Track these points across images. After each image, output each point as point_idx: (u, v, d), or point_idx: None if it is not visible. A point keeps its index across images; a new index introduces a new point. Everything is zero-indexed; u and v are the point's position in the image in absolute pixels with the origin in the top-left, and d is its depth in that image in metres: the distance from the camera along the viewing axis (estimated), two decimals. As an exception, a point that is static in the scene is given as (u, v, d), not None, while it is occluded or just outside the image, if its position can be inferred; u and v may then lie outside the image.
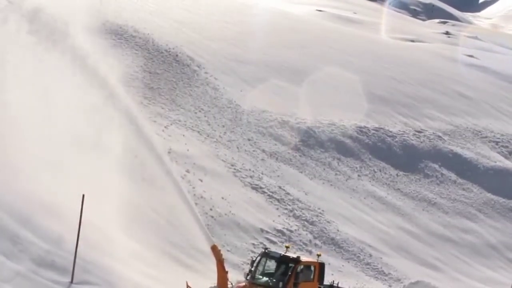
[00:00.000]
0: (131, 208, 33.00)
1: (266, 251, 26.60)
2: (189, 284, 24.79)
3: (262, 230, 38.05)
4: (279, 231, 38.61)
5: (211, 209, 37.07)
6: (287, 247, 26.77)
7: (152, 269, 28.61)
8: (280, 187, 43.66)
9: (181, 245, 32.25)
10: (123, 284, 25.77)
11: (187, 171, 39.44)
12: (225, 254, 33.67)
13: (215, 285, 25.07)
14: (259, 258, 26.05)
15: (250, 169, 43.98)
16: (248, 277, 25.44)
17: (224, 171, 42.26)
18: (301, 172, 47.48)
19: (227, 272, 25.26)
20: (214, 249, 25.50)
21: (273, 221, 39.70)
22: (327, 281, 26.37)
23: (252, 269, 25.66)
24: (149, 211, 33.82)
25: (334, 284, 26.89)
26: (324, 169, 49.61)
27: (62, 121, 36.38)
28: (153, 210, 34.06)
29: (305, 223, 41.11)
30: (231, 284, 25.34)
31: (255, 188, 42.24)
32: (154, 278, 27.76)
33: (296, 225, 40.37)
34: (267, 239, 37.35)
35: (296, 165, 48.06)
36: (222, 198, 38.72)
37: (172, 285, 25.13)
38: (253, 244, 35.50)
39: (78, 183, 31.94)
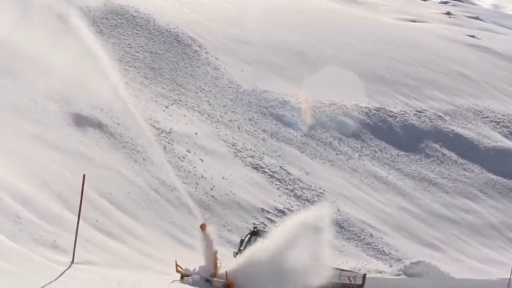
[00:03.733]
0: (132, 188, 32.91)
1: (255, 229, 26.42)
2: (178, 263, 24.61)
3: (263, 210, 37.92)
4: (280, 210, 38.46)
5: (212, 189, 36.92)
6: (276, 225, 26.61)
7: (152, 249, 28.50)
8: (281, 167, 43.49)
9: (182, 225, 32.13)
10: (124, 264, 25.65)
11: (188, 151, 39.27)
12: (225, 234, 33.66)
13: (205, 264, 24.82)
14: (248, 236, 25.88)
15: (251, 149, 43.80)
16: (237, 256, 25.26)
17: (225, 151, 42.09)
18: (302, 152, 47.29)
19: (216, 251, 25.05)
20: (204, 228, 25.20)
21: (274, 200, 39.57)
22: None
23: (242, 248, 25.48)
24: (150, 191, 33.65)
25: None
26: (325, 149, 49.40)
27: (61, 100, 36.21)
28: (154, 190, 33.89)
29: (306, 203, 40.96)
30: (220, 263, 25.12)
31: (256, 168, 42.08)
32: (155, 258, 27.66)
33: (297, 205, 40.21)
34: (268, 218, 37.23)
35: (297, 145, 47.86)
36: (223, 178, 38.57)
37: (173, 265, 24.90)
38: (254, 223, 35.33)
39: (79, 163, 31.87)
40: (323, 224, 24.42)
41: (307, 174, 44.56)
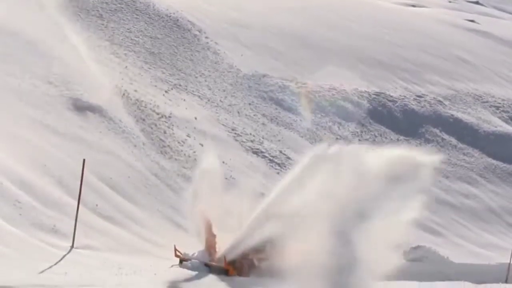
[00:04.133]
0: (132, 172, 32.85)
1: None
2: (177, 248, 24.59)
3: (262, 195, 37.78)
4: (279, 195, 38.36)
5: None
6: None
7: (153, 234, 28.48)
8: (281, 152, 43.37)
9: (182, 209, 32.03)
10: (124, 249, 25.64)
11: (188, 135, 39.16)
12: (225, 219, 33.57)
13: (203, 249, 24.78)
14: None
15: (251, 134, 43.68)
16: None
17: (225, 135, 41.97)
18: (302, 137, 47.16)
19: (215, 236, 25.00)
20: (202, 212, 25.17)
21: (274, 185, 39.40)
22: None
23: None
24: (150, 175, 33.57)
25: None
26: (324, 133, 49.25)
27: (61, 85, 36.08)
28: (154, 175, 33.81)
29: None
30: (220, 248, 25.06)
31: (256, 152, 41.97)
32: (155, 243, 27.62)
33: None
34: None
35: (297, 130, 47.72)
36: (223, 162, 38.33)
37: (172, 249, 24.84)
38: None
39: (79, 147, 31.81)
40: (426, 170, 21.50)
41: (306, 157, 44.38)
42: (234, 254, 24.02)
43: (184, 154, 37.18)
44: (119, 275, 21.27)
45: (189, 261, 24.20)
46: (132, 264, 23.10)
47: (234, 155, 40.13)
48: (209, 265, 23.99)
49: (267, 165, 41.34)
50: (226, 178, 37.02)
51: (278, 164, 41.93)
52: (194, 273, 23.28)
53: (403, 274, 23.76)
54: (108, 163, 32.20)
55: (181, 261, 24.50)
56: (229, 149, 40.61)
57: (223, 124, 43.06)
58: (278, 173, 41.08)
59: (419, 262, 34.52)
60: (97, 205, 28.19)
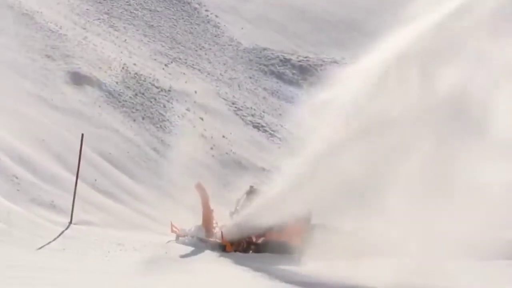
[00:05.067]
0: (131, 147, 32.61)
1: (252, 188, 26.11)
2: (173, 224, 24.41)
3: (263, 169, 37.58)
4: (280, 169, 38.08)
5: (211, 148, 36.55)
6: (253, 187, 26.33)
7: (152, 209, 28.27)
8: (281, 126, 43.07)
9: (181, 185, 31.81)
10: (122, 225, 25.47)
11: (187, 109, 38.84)
12: (225, 194, 33.36)
13: (200, 225, 24.58)
14: (244, 196, 25.56)
15: (251, 107, 43.37)
16: (233, 216, 24.98)
17: (225, 109, 41.65)
18: (303, 110, 46.81)
19: (212, 211, 24.79)
20: (198, 187, 24.93)
21: (275, 160, 39.17)
22: None
23: (238, 207, 25.19)
24: (150, 150, 33.33)
25: None
26: (326, 107, 48.90)
27: (60, 58, 35.76)
28: (153, 149, 33.56)
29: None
30: (217, 223, 24.88)
31: (257, 126, 41.68)
32: (154, 219, 27.43)
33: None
34: (269, 178, 36.87)
35: (298, 104, 47.36)
36: (223, 136, 38.18)
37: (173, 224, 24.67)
38: (255, 183, 35.05)
39: (77, 122, 31.54)
40: None
41: (307, 132, 44.11)
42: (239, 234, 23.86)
43: (184, 129, 36.87)
44: (118, 251, 21.07)
45: (185, 237, 24.00)
46: (131, 240, 22.91)
47: (234, 129, 39.85)
48: (205, 241, 23.77)
49: (268, 140, 41.07)
50: (226, 153, 36.86)
51: (279, 139, 41.66)
52: (190, 248, 23.06)
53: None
54: (107, 138, 31.94)
55: (177, 237, 24.30)
56: (229, 123, 40.32)
57: (223, 98, 42.74)
58: (279, 147, 40.82)
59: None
60: (95, 180, 27.97)
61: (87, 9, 43.36)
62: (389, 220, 20.75)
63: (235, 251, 23.48)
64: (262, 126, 42.06)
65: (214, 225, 24.69)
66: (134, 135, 33.71)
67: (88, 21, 41.96)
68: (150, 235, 24.94)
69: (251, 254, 23.82)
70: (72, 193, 24.26)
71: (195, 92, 41.17)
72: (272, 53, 51.43)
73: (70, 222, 23.71)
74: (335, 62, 53.57)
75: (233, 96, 43.53)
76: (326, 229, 25.77)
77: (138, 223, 26.45)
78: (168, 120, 36.59)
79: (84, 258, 19.42)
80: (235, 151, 37.48)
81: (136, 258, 20.46)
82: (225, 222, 24.91)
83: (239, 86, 45.58)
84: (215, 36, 50.30)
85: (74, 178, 24.78)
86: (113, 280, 16.28)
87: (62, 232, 22.52)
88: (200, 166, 34.40)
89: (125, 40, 42.33)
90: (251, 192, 25.61)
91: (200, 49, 47.79)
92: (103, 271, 17.57)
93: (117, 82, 37.05)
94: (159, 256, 21.46)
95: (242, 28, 52.78)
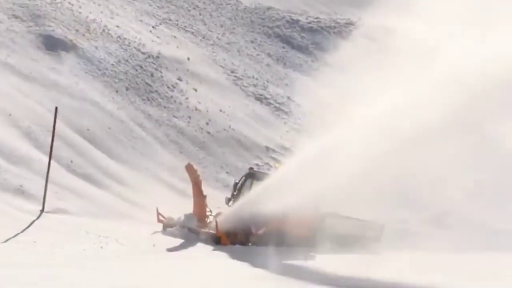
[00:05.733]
0: (113, 122, 32.68)
1: (252, 171, 26.15)
2: (159, 212, 24.43)
3: (267, 149, 37.70)
4: (287, 149, 38.20)
5: (207, 124, 36.66)
6: (277, 167, 26.38)
7: (138, 195, 28.37)
8: (288, 98, 43.16)
9: (172, 166, 31.94)
10: (103, 214, 25.51)
11: (179, 78, 38.92)
12: (223, 177, 33.45)
13: (191, 213, 24.59)
14: (243, 179, 25.61)
15: (253, 77, 43.46)
16: (230, 203, 25.03)
17: (223, 78, 41.74)
18: (314, 80, 46.83)
19: (205, 197, 24.78)
20: (189, 169, 24.89)
21: (281, 137, 39.32)
22: None
23: (235, 193, 25.24)
24: (135, 126, 33.40)
25: None
26: (340, 76, 48.93)
27: (29, 20, 35.77)
28: (139, 125, 33.66)
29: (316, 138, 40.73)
30: (210, 211, 24.89)
31: (259, 98, 41.78)
32: (139, 205, 27.50)
33: (307, 141, 39.98)
34: (273, 158, 37.00)
35: (308, 72, 47.43)
36: (220, 110, 38.27)
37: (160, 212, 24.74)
38: (257, 165, 35.16)
39: (50, 93, 31.58)
40: None
41: (319, 106, 44.21)
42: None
43: (175, 101, 36.97)
44: (98, 244, 21.10)
45: (174, 227, 24.01)
46: (113, 231, 22.94)
47: (233, 102, 39.94)
48: (197, 232, 23.78)
49: (272, 114, 41.15)
50: (224, 129, 36.94)
51: (286, 113, 41.73)
52: (179, 241, 23.10)
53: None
54: (85, 111, 32.00)
55: (165, 227, 24.33)
56: (228, 95, 40.43)
57: (220, 66, 42.82)
58: (285, 123, 40.90)
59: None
60: (71, 161, 28.04)
61: (61, -38, 43.32)
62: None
63: (232, 243, 23.49)
64: (266, 98, 42.14)
65: (208, 213, 24.67)
66: (116, 109, 33.80)
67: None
68: (136, 226, 25.00)
69: (250, 247, 23.85)
70: (44, 177, 24.27)
71: (188, 58, 41.26)
72: (278, 14, 51.50)
73: (42, 210, 23.75)
74: (351, 23, 53.58)
75: (232, 64, 43.62)
76: (338, 218, 25.98)
77: (122, 212, 26.53)
78: (156, 91, 36.67)
79: (59, 252, 19.42)
80: (234, 127, 37.58)
81: (119, 252, 20.48)
82: (220, 210, 24.95)
83: (238, 51, 45.64)
84: (211, -7, 50.45)
85: (47, 159, 24.79)
86: (93, 278, 16.30)
87: (33, 222, 22.55)
88: (193, 145, 34.49)
89: (107, -2, 42.47)
90: (251, 175, 25.60)
91: (194, 8, 47.87)
92: (81, 267, 17.58)
93: (96, 47, 37.12)
94: (146, 251, 21.49)
95: (242, -16, 52.84)
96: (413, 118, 20.92)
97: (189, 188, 25.73)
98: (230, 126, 37.49)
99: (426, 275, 21.08)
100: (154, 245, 21.94)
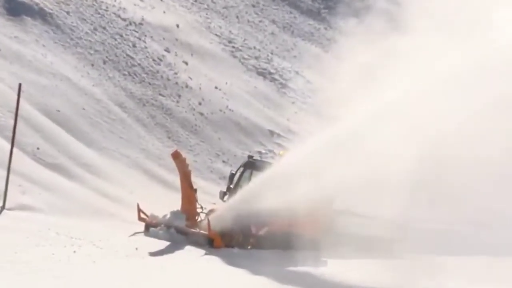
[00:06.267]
0: (88, 102, 32.74)
1: (251, 160, 26.23)
2: (141, 209, 24.49)
3: (271, 133, 37.84)
4: (295, 133, 38.29)
5: (200, 103, 36.77)
6: (281, 155, 26.52)
7: (116, 188, 28.42)
8: (297, 73, 43.24)
9: (158, 154, 32.02)
10: (76, 211, 25.52)
11: (167, 50, 39.04)
12: (219, 166, 33.55)
13: (179, 210, 24.65)
14: (241, 170, 25.68)
15: (255, 47, 43.56)
16: (225, 198, 25.11)
17: (219, 49, 41.86)
18: (326, 52, 46.93)
19: (195, 190, 24.81)
20: (176, 156, 24.90)
21: (288, 119, 39.42)
22: None
23: (232, 186, 25.32)
24: (114, 106, 33.48)
25: None
26: (359, 47, 49.03)
27: None
28: (119, 105, 33.73)
29: (332, 121, 40.80)
30: (201, 207, 24.94)
31: (262, 73, 41.89)
32: (119, 201, 27.55)
33: (319, 125, 40.05)
34: (279, 144, 37.11)
35: (319, 41, 47.50)
36: (216, 88, 38.39)
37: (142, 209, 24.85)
38: (259, 152, 35.30)
39: (13, 67, 31.65)
40: None
41: (332, 81, 44.27)
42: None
43: (162, 76, 37.05)
44: (69, 247, 21.16)
45: (158, 227, 24.08)
46: (87, 231, 23.01)
47: (231, 77, 40.05)
48: (186, 232, 23.84)
49: (278, 92, 41.25)
50: (220, 110, 37.02)
51: (293, 90, 41.80)
52: (164, 243, 23.17)
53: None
54: (54, 89, 32.02)
55: (147, 227, 24.39)
56: (224, 69, 40.57)
57: (216, 34, 42.91)
58: (293, 102, 40.98)
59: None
60: (38, 148, 28.04)
61: None
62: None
63: (227, 246, 23.57)
64: (270, 73, 42.26)
65: (198, 210, 24.71)
66: (92, 86, 33.87)
67: None
68: (115, 226, 25.06)
69: (249, 250, 23.93)
70: (5, 167, 24.33)
71: (177, 26, 41.34)
72: (284, -28, 51.53)
73: (3, 207, 23.81)
74: (371, -16, 53.57)
75: (230, 32, 43.72)
76: (354, 216, 26.02)
77: (98, 209, 26.53)
78: (139, 64, 36.76)
79: (23, 257, 19.48)
80: (232, 107, 37.65)
81: (95, 257, 20.54)
82: (214, 206, 25.00)
83: (237, 17, 45.70)
84: None
85: (8, 145, 24.84)
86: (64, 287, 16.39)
87: (-8, 221, 22.68)
88: (183, 129, 34.56)
89: (80, -47, 42.40)
90: (250, 165, 25.66)
91: (184, -35, 47.87)
92: (49, 275, 17.62)
93: (68, 12, 37.18)
94: (126, 255, 21.56)
95: None
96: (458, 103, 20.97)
97: (177, 180, 25.75)
98: (227, 107, 37.60)
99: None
100: (136, 249, 21.99)
